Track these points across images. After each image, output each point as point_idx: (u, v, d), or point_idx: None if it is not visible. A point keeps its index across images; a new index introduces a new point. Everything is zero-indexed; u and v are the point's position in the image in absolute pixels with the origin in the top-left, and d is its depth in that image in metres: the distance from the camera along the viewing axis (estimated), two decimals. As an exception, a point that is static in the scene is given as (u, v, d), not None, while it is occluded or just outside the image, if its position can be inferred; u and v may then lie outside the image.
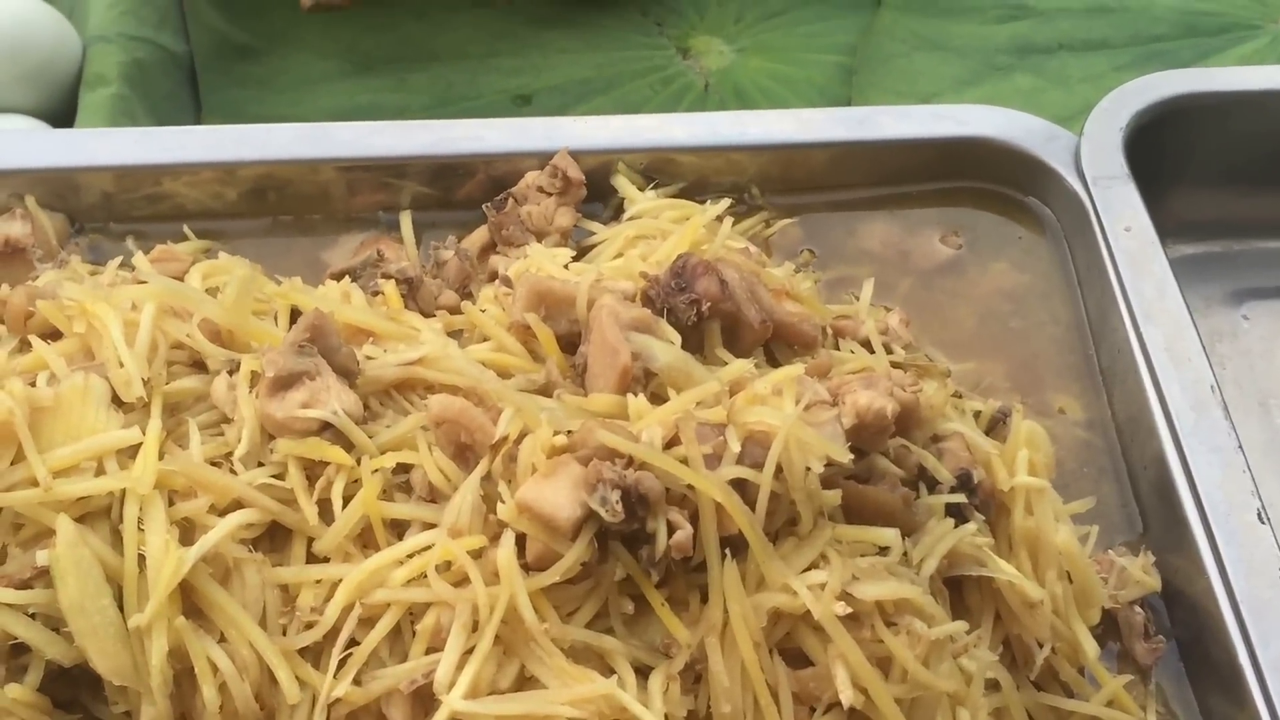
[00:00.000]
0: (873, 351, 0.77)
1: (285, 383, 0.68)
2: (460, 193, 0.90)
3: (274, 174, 0.89)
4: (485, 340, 0.75)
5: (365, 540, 0.67)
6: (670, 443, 0.66)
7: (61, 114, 1.12)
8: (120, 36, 1.13)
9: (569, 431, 0.67)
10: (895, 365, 0.77)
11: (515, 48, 1.22)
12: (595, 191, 0.88)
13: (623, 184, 0.88)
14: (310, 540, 0.67)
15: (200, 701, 0.63)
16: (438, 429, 0.67)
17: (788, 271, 0.84)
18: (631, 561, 0.65)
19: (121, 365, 0.68)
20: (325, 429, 0.67)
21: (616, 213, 0.89)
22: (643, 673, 0.65)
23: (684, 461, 0.65)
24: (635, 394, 0.69)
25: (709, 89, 1.18)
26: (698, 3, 1.24)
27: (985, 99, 1.16)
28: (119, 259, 0.82)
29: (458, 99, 1.19)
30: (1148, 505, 0.80)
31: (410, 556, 0.65)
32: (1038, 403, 0.83)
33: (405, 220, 0.89)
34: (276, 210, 0.90)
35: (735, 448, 0.66)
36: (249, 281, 0.71)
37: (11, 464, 0.65)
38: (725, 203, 0.85)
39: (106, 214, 0.89)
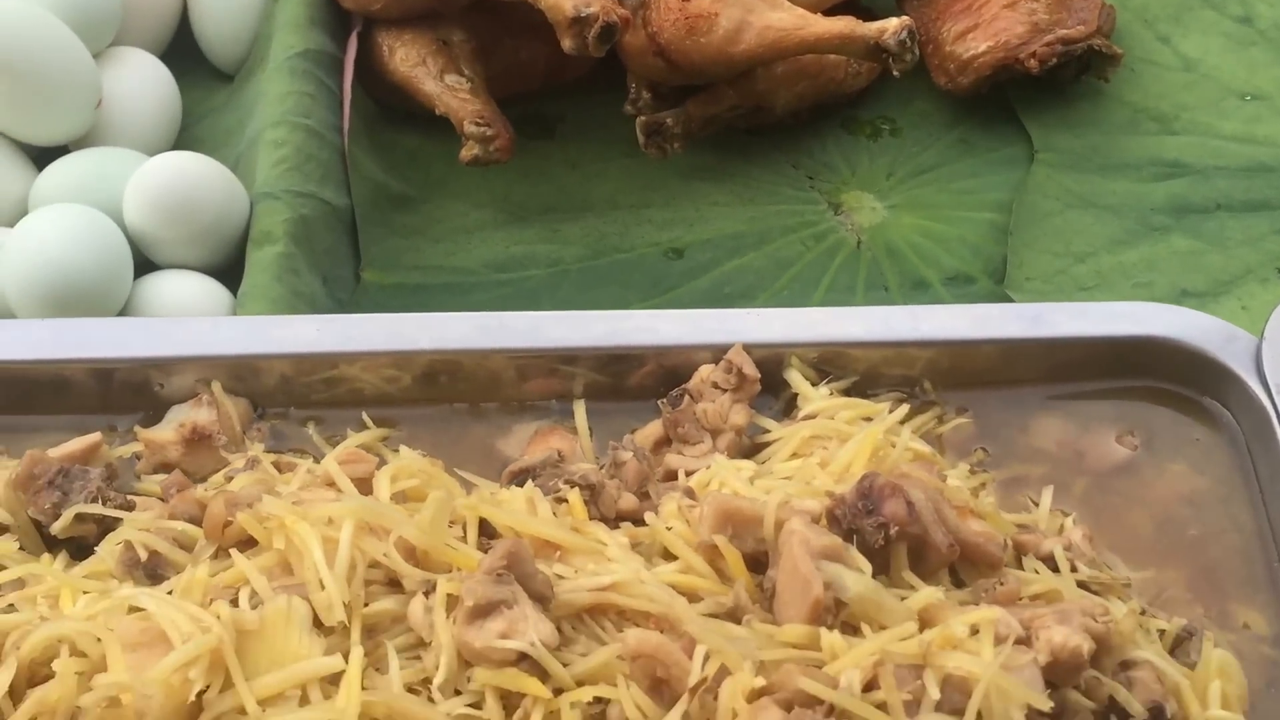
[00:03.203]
0: (1056, 570, 0.77)
1: (483, 611, 0.69)
2: (632, 381, 0.91)
3: (446, 360, 0.91)
4: (669, 556, 0.75)
5: (563, 774, 0.67)
6: (868, 684, 0.66)
7: (227, 270, 1.15)
8: (286, 193, 1.15)
9: (763, 662, 0.67)
10: (1080, 584, 0.77)
11: (666, 198, 1.23)
12: (766, 383, 0.89)
13: (795, 379, 0.89)
14: (507, 772, 0.67)
15: None
16: (634, 663, 0.68)
17: (963, 474, 0.84)
18: (833, 811, 0.65)
19: (323, 588, 0.70)
20: (522, 659, 0.68)
21: (788, 406, 0.90)
22: None
23: (883, 707, 0.65)
24: (828, 625, 0.69)
25: (861, 246, 1.18)
26: (849, 157, 1.24)
27: (1142, 260, 1.16)
28: (308, 462, 0.84)
29: (610, 251, 1.20)
30: (1338, 728, 0.78)
31: (609, 797, 0.65)
32: (1219, 614, 0.82)
33: (579, 411, 0.90)
34: (450, 396, 0.91)
35: (935, 695, 0.65)
36: (445, 503, 0.73)
37: (220, 692, 0.66)
38: (903, 409, 0.85)
39: (287, 398, 0.90)
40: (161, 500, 0.82)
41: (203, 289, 1.12)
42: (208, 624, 0.67)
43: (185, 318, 1.00)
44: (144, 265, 1.14)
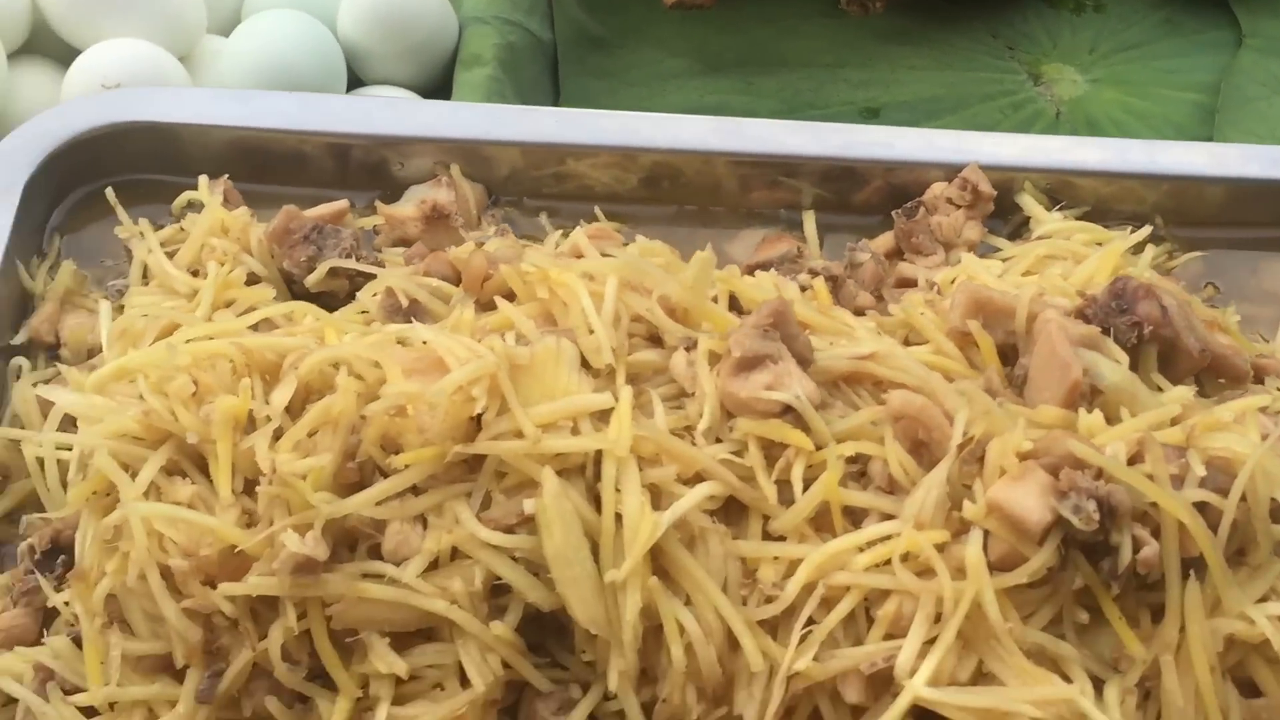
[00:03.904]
0: (1294, 392, 0.78)
1: (749, 364, 0.70)
2: (857, 197, 0.92)
3: (669, 163, 0.92)
4: (915, 345, 0.76)
5: (819, 524, 0.68)
6: (1132, 460, 0.67)
7: (434, 90, 1.17)
8: (495, 20, 1.17)
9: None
10: (1319, 406, 0.77)
11: (863, 60, 1.23)
12: (995, 207, 0.90)
13: (1028, 203, 0.89)
14: (765, 518, 0.69)
15: (665, 659, 0.66)
16: (896, 424, 0.69)
17: (1198, 304, 0.84)
18: (1091, 572, 0.66)
19: (591, 332, 0.71)
20: (785, 412, 0.69)
21: (1015, 230, 0.90)
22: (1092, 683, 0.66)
23: (1150, 479, 0.65)
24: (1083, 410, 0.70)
25: (1060, 117, 1.18)
26: (1051, 30, 1.24)
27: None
28: (558, 233, 0.86)
29: (804, 106, 1.21)
30: None
31: (870, 544, 0.67)
32: None
33: (809, 220, 0.91)
34: (671, 199, 0.93)
35: (1200, 471, 0.66)
36: (709, 262, 0.74)
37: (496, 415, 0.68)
38: (1146, 229, 0.86)
39: (519, 189, 0.92)
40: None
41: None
42: (482, 353, 0.69)
43: (425, 100, 1.01)
44: (351, 81, 1.16)
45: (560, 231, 0.87)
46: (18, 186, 0.86)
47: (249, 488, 0.69)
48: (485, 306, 0.77)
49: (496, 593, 0.67)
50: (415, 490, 0.67)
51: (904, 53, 1.24)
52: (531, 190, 0.92)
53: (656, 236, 0.87)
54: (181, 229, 0.86)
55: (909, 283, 0.86)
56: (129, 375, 0.73)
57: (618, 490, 0.66)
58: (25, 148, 0.88)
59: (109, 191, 0.88)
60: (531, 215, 0.92)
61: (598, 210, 0.91)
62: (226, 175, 0.88)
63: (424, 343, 0.71)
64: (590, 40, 1.24)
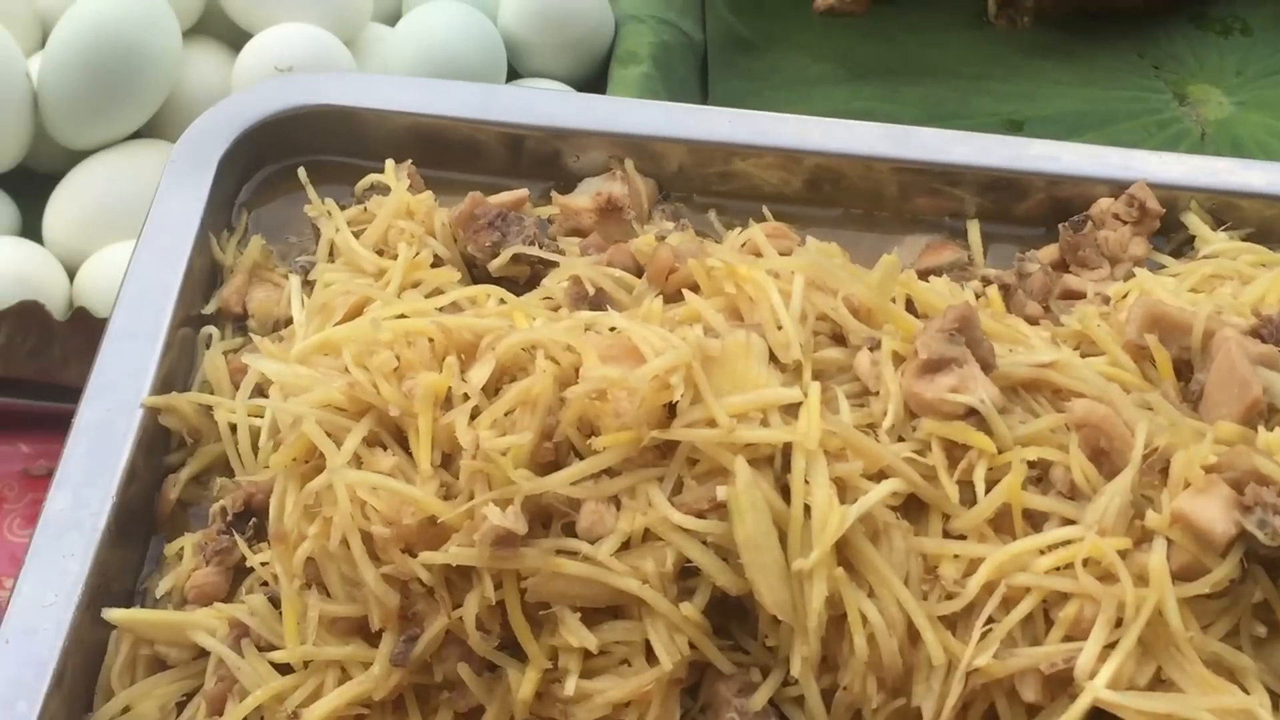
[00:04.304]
0: None
1: (934, 366, 0.72)
2: (1019, 208, 0.93)
3: (832, 166, 0.94)
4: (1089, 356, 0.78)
5: (998, 525, 0.70)
6: (1313, 479, 0.68)
7: (588, 85, 1.19)
8: (651, 19, 1.20)
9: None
10: None
11: (1007, 73, 1.25)
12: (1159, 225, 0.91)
13: (1194, 222, 0.90)
14: (945, 517, 0.71)
15: (847, 648, 0.68)
16: (1079, 431, 0.71)
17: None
18: (1271, 587, 0.67)
19: (779, 328, 0.73)
20: (968, 415, 0.71)
21: (1178, 248, 0.92)
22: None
23: (1333, 498, 0.67)
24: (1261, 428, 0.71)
25: (1205, 138, 1.19)
26: (1198, 51, 1.25)
27: None
28: (737, 229, 0.88)
29: (948, 116, 1.22)
30: None
31: (1052, 547, 0.68)
32: None
33: (974, 229, 0.93)
34: (835, 201, 0.95)
35: (1387, 493, 0.67)
36: (895, 265, 0.76)
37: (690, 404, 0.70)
38: (1314, 254, 0.87)
39: (689, 185, 0.94)
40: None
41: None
42: (677, 343, 0.71)
43: (599, 96, 1.04)
44: (507, 73, 1.19)
45: (738, 229, 0.89)
46: (212, 163, 0.90)
47: (446, 461, 0.72)
48: (667, 299, 0.79)
49: (685, 575, 0.69)
50: (610, 472, 0.70)
51: (1049, 67, 1.25)
52: (700, 187, 0.94)
53: (821, 238, 0.89)
54: (365, 209, 0.89)
55: (1075, 295, 0.87)
56: (332, 349, 0.76)
57: (806, 482, 0.68)
58: (219, 127, 0.91)
59: (301, 171, 0.91)
60: (700, 211, 0.94)
61: (765, 210, 0.93)
62: (410, 160, 0.91)
63: (611, 329, 0.74)
64: (739, 43, 1.27)
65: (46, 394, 0.99)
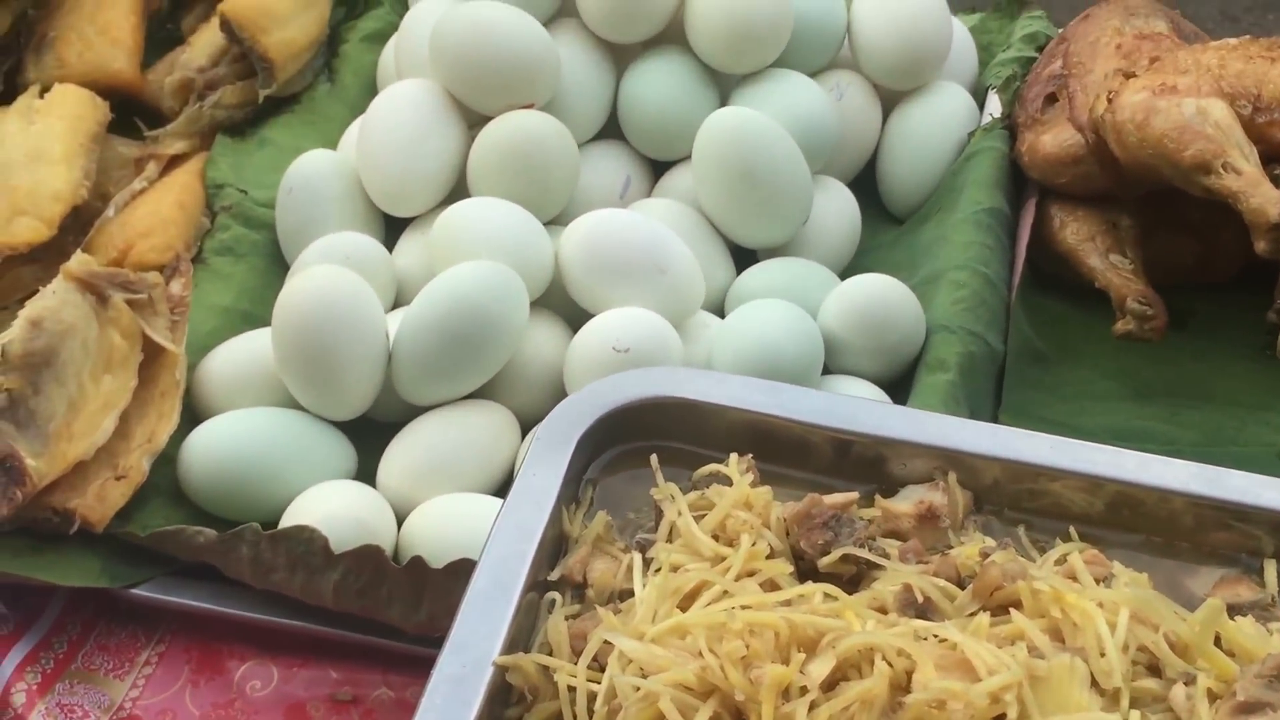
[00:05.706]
0: None
1: (1249, 708, 0.77)
2: (1321, 550, 0.98)
3: (1129, 495, 1.00)
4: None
5: None
6: None
7: (890, 385, 1.28)
8: (960, 329, 1.28)
9: None
10: None
11: (1286, 406, 1.30)
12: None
13: None
14: None
15: None
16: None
17: None
18: None
19: (1102, 655, 0.79)
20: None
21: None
22: None
23: None
24: None
25: None
26: None
27: None
28: (1055, 553, 0.94)
29: (1225, 442, 1.28)
30: None
31: None
32: None
33: (1270, 570, 0.97)
34: (1134, 527, 1.00)
35: None
36: (1219, 610, 0.82)
37: (1001, 719, 0.76)
38: None
39: (1000, 499, 1.01)
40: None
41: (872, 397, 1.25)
42: (1009, 662, 0.78)
43: (927, 412, 1.11)
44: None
45: (1045, 547, 0.95)
46: (572, 441, 1.00)
47: (783, 748, 0.79)
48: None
49: None
50: (941, 777, 0.76)
51: (1327, 404, 1.30)
52: (1011, 502, 1.01)
53: (1122, 561, 0.94)
54: (703, 496, 0.98)
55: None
56: (684, 631, 0.84)
57: (1125, 809, 0.73)
58: (580, 410, 1.02)
59: (653, 458, 1.01)
60: (1010, 525, 1.00)
61: (1072, 530, 0.99)
62: (751, 454, 1.00)
63: (938, 639, 0.80)
64: (1032, 354, 1.34)
65: (363, 626, 1.09)
